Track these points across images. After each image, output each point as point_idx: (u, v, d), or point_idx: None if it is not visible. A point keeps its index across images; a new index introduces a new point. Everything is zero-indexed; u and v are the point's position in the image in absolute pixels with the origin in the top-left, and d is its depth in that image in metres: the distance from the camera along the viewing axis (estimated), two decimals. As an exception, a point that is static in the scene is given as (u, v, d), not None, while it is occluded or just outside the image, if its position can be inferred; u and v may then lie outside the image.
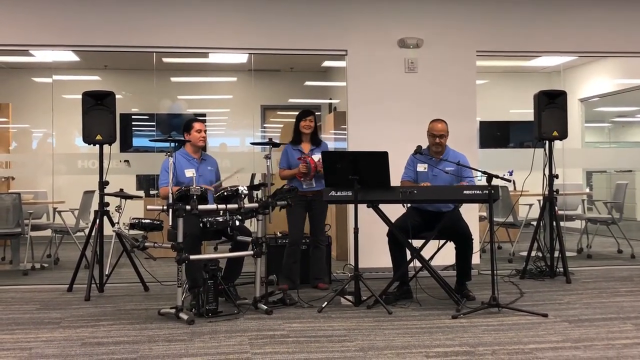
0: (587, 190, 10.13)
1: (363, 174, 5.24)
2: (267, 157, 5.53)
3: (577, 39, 7.34)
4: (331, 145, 9.61)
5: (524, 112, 7.69)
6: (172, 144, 5.10)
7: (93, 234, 6.12)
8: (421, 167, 5.71)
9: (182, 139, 5.70)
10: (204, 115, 10.98)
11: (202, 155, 5.84)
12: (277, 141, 5.78)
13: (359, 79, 6.97)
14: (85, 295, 5.76)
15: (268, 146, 5.60)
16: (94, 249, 6.02)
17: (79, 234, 7.61)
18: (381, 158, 5.23)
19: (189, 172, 5.60)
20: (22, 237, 7.35)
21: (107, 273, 6.28)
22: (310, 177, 6.08)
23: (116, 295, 5.96)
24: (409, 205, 5.51)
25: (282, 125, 11.16)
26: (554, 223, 6.61)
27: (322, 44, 6.99)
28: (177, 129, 10.21)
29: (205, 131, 5.79)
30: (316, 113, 10.18)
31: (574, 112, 10.08)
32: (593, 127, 11.46)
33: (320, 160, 5.97)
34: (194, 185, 5.00)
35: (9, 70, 10.28)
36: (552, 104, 6.61)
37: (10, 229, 7.22)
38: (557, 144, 6.85)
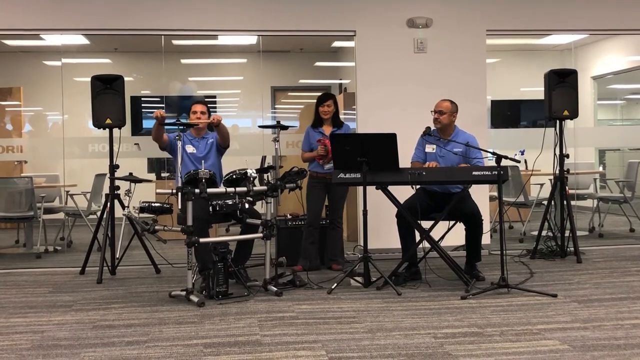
0: (600, 169, 10.08)
1: (371, 156, 5.23)
2: (276, 140, 5.54)
3: (589, 17, 7.25)
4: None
5: (536, 90, 7.63)
6: (181, 127, 5.14)
7: (105, 217, 6.17)
8: (429, 148, 5.69)
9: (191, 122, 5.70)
10: (214, 97, 10.99)
11: (205, 134, 5.85)
12: (294, 123, 5.78)
13: (367, 59, 6.94)
14: (97, 278, 5.82)
15: (276, 129, 5.61)
16: (105, 232, 6.07)
17: (91, 216, 7.67)
18: (389, 140, 5.21)
19: (189, 148, 5.69)
20: (35, 220, 7.42)
21: (118, 256, 6.33)
22: (328, 160, 6.09)
23: (128, 278, 6.01)
24: (417, 186, 5.50)
25: (292, 107, 11.14)
26: (565, 202, 6.59)
27: (330, 25, 6.95)
28: (188, 110, 10.22)
29: (203, 112, 5.72)
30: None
31: (586, 90, 10.01)
32: (606, 105, 11.36)
33: None
34: (203, 169, 5.02)
35: (19, 54, 10.32)
36: (562, 83, 6.57)
37: (23, 212, 7.30)
38: (569, 123, 6.81)
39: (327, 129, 6.24)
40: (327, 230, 6.36)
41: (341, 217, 6.39)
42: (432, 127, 5.67)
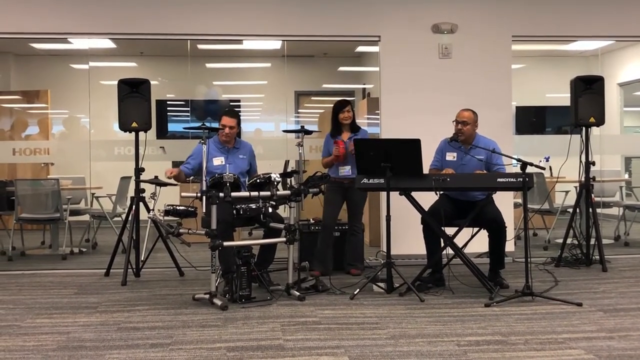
0: (626, 176, 9.97)
1: (395, 161, 5.22)
2: (300, 145, 5.55)
3: (615, 23, 7.17)
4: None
5: (562, 96, 7.57)
6: (206, 131, 5.17)
7: (130, 219, 6.22)
8: (450, 156, 5.66)
9: (216, 126, 5.71)
10: (238, 101, 11.04)
11: (235, 143, 5.86)
12: (311, 128, 5.78)
13: (392, 65, 6.93)
14: (121, 280, 5.87)
15: (300, 133, 5.62)
16: (130, 235, 6.12)
17: (116, 219, 7.74)
18: (414, 145, 5.20)
19: (217, 161, 5.66)
20: (61, 222, 7.50)
21: (142, 259, 6.38)
22: (341, 159, 6.07)
23: (152, 280, 6.06)
24: (441, 192, 5.47)
25: (315, 111, 11.16)
26: (590, 210, 6.52)
27: (355, 30, 6.96)
28: (213, 115, 10.28)
29: (232, 127, 5.68)
30: (350, 99, 10.06)
31: (613, 97, 9.91)
32: (632, 112, 11.23)
33: None
34: (227, 173, 5.05)
35: (47, 57, 10.44)
36: (588, 90, 6.50)
37: (49, 214, 7.39)
38: (594, 129, 6.74)
39: (346, 135, 6.23)
40: (346, 235, 6.35)
41: (360, 222, 6.34)
42: (456, 135, 5.64)
